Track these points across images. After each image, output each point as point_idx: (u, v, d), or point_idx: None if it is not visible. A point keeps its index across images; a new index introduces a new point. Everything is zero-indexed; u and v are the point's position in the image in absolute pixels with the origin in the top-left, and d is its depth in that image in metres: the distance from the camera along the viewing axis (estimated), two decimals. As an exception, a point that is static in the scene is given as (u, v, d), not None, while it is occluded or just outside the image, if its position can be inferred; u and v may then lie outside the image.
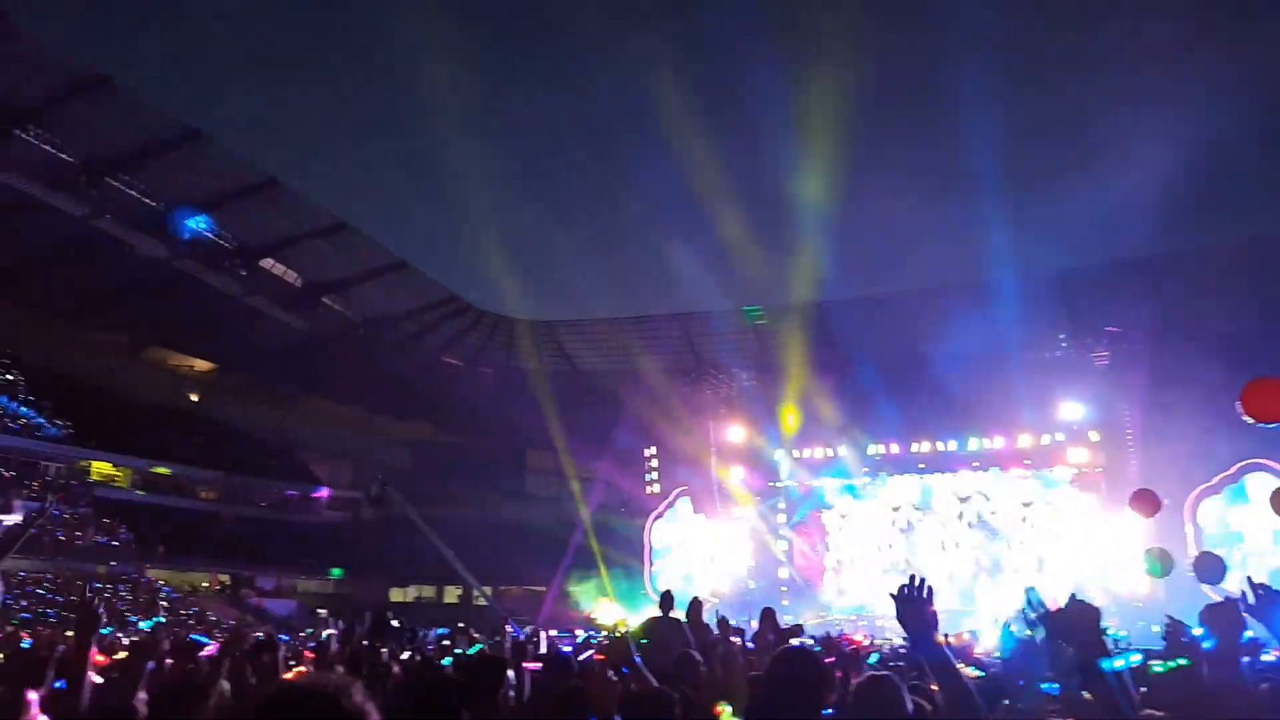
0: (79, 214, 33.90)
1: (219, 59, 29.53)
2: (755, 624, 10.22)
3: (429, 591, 47.10)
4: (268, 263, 39.83)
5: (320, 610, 37.97)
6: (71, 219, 34.00)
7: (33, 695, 2.83)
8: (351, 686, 1.68)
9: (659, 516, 38.54)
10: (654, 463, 42.86)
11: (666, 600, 8.77)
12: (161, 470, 43.43)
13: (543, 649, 7.59)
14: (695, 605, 9.25)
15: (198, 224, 34.88)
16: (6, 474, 36.11)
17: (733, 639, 8.61)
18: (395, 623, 11.82)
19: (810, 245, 36.05)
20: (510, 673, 4.12)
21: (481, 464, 51.34)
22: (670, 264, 37.43)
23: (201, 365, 48.49)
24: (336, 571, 45.86)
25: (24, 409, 38.45)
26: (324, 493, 50.50)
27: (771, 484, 38.47)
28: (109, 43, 28.60)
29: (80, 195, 33.41)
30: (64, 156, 32.47)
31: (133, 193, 34.65)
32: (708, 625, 9.17)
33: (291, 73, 31.97)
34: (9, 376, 39.51)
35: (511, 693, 4.22)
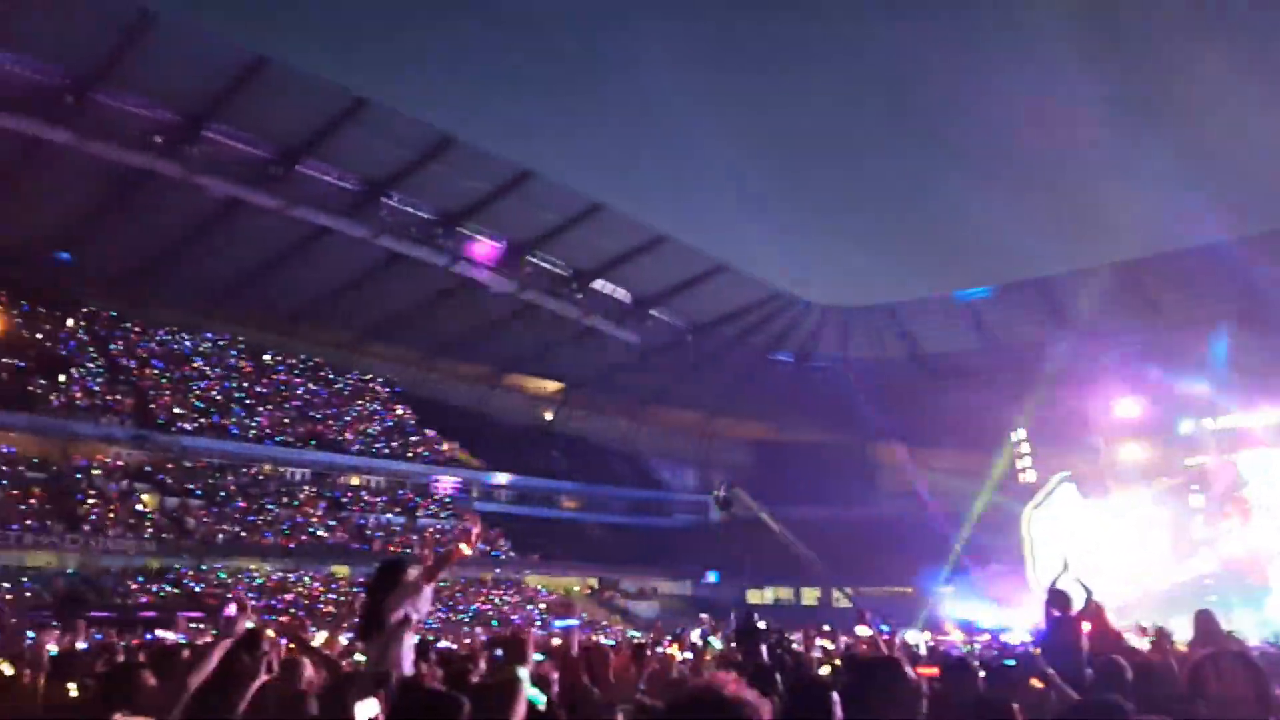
0: (441, 264, 38.34)
1: (530, 96, 31.60)
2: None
3: (786, 593, 46.89)
4: (599, 284, 42.42)
5: (703, 615, 39.06)
6: (435, 269, 38.55)
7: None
8: (745, 690, 1.75)
9: (1037, 505, 34.29)
10: (1024, 447, 38.76)
11: (1059, 599, 8.22)
12: (532, 483, 47.73)
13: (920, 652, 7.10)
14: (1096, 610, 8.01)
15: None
16: (408, 495, 41.69)
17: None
18: (761, 624, 11.60)
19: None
20: (910, 673, 3.70)
21: (826, 460, 50.33)
22: (1007, 228, 33.76)
23: (552, 386, 52.75)
24: (715, 575, 47.07)
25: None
26: (671, 498, 52.51)
27: (1184, 463, 31.99)
28: (450, 108, 31.82)
29: (439, 248, 37.84)
30: (422, 214, 37.05)
31: (479, 237, 38.72)
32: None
33: (602, 103, 33.51)
34: (399, 410, 45.73)
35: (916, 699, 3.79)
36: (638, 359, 46.12)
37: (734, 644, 8.47)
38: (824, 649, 11.05)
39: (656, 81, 30.31)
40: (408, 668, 4.47)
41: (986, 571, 34.82)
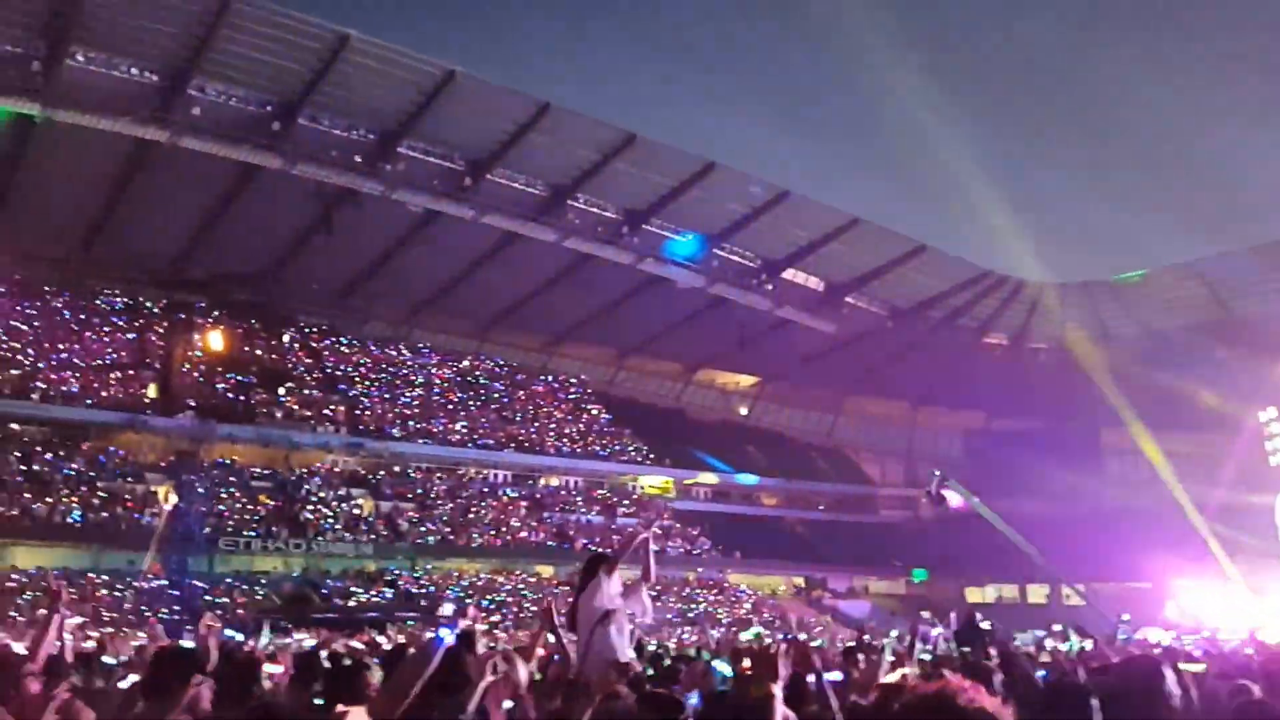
0: (627, 262, 38.12)
1: (704, 85, 30.79)
2: None
3: (1010, 591, 43.62)
4: (790, 273, 40.95)
5: (923, 612, 36.90)
6: (622, 268, 38.37)
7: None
8: (982, 696, 1.62)
9: None
10: (1274, 428, 35.69)
11: None
12: (730, 479, 46.65)
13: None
14: None
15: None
16: (603, 495, 41.73)
17: None
18: (985, 624, 11.50)
19: None
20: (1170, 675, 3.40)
21: (1047, 448, 46.09)
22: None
23: (746, 380, 51.57)
24: (920, 573, 44.63)
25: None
26: (878, 492, 50.06)
27: None
28: (631, 105, 31.60)
29: (625, 246, 37.64)
30: (608, 214, 36.96)
31: (664, 233, 38.26)
32: None
33: (794, 97, 32.34)
34: (593, 409, 45.99)
35: (1176, 701, 3.43)
36: (835, 348, 44.22)
37: (957, 646, 8.17)
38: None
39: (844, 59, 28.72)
40: (620, 656, 4.76)
41: (1235, 562, 30.86)
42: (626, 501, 41.82)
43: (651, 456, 44.26)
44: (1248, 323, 38.73)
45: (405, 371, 42.55)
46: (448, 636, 3.45)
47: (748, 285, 40.38)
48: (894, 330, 43.87)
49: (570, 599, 5.23)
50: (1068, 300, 43.41)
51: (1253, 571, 30.36)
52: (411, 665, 3.40)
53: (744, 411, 52.58)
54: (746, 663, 6.44)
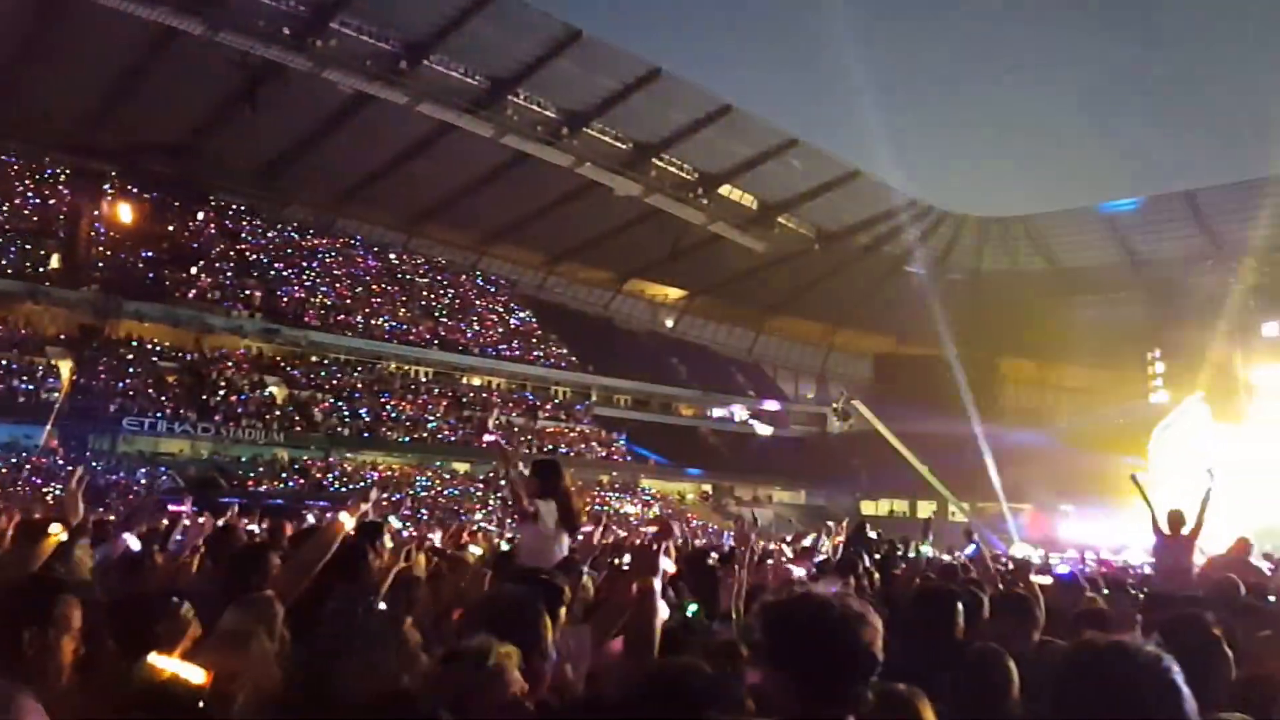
0: (565, 165, 37.48)
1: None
2: None
3: (901, 506, 46.00)
4: (725, 189, 40.94)
5: (829, 522, 38.83)
6: (560, 170, 37.71)
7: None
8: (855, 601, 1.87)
9: (1166, 427, 33.09)
10: (1158, 367, 38.46)
11: (1174, 520, 8.38)
12: (649, 388, 47.41)
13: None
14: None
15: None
16: (530, 397, 42.04)
17: None
18: (873, 534, 12.04)
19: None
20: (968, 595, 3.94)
21: (948, 375, 48.21)
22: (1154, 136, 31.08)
23: (674, 293, 51.94)
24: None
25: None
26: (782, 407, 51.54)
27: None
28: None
29: (564, 147, 36.92)
30: (548, 113, 36.11)
31: (606, 138, 37.63)
32: None
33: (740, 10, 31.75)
34: (522, 313, 45.87)
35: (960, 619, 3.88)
36: (763, 268, 44.78)
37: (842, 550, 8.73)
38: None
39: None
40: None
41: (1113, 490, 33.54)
42: (549, 406, 42.26)
43: (576, 362, 44.61)
44: (1146, 267, 40.82)
45: (328, 260, 41.47)
46: (346, 518, 3.49)
47: (683, 198, 40.24)
48: (820, 253, 44.55)
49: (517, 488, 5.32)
50: (986, 235, 44.80)
51: (1120, 500, 32.77)
52: (311, 547, 3.52)
53: (670, 324, 53.15)
54: (627, 558, 6.86)
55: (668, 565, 4.63)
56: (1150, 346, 38.94)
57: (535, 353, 44.03)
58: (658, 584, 2.97)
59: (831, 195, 41.40)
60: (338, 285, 40.35)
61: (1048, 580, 5.42)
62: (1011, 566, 8.32)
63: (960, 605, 3.70)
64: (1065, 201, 41.84)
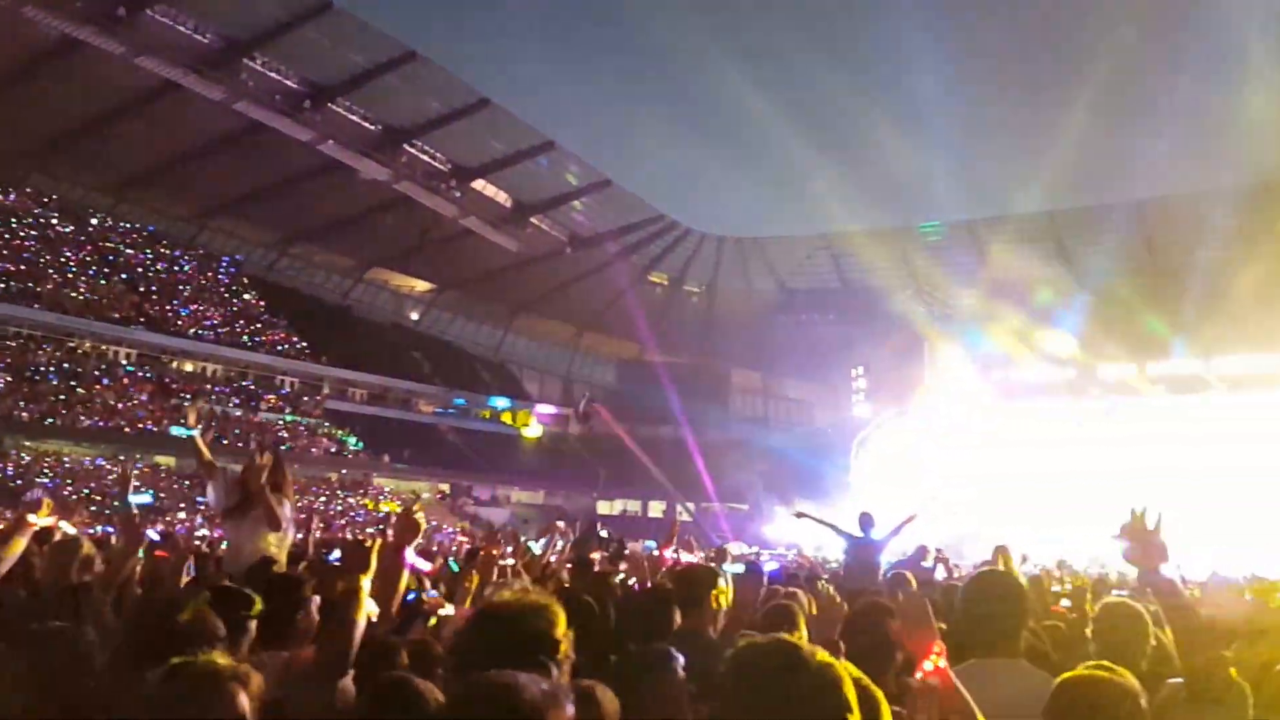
0: (305, 139, 35.19)
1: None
2: None
3: (634, 506, 47.56)
4: (480, 184, 40.32)
5: (559, 522, 39.01)
6: (298, 145, 35.35)
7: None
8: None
9: (865, 439, 37.12)
10: (861, 383, 42.38)
11: (865, 520, 9.07)
12: (387, 384, 45.61)
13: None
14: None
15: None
16: (251, 386, 39.02)
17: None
18: (604, 533, 12.50)
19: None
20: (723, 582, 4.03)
21: (686, 383, 50.65)
22: (888, 173, 34.70)
23: (421, 285, 50.41)
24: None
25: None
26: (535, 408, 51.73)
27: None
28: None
29: (305, 121, 34.67)
30: (290, 83, 33.76)
31: (354, 117, 35.78)
32: None
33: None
34: (247, 295, 42.53)
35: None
36: (514, 267, 44.55)
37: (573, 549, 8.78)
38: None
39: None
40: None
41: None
42: (273, 397, 39.43)
43: (308, 352, 42.00)
44: (856, 292, 45.12)
45: (13, 220, 36.17)
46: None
47: (435, 189, 39.12)
48: (571, 257, 45.13)
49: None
50: (723, 252, 47.48)
51: (830, 501, 35.95)
52: None
53: (415, 317, 51.47)
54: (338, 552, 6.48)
55: (421, 564, 4.57)
56: (855, 362, 42.88)
57: (259, 339, 40.91)
58: (367, 584, 2.69)
59: (586, 201, 42.11)
60: (24, 249, 35.32)
61: (740, 569, 5.74)
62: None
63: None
64: (797, 227, 45.54)
